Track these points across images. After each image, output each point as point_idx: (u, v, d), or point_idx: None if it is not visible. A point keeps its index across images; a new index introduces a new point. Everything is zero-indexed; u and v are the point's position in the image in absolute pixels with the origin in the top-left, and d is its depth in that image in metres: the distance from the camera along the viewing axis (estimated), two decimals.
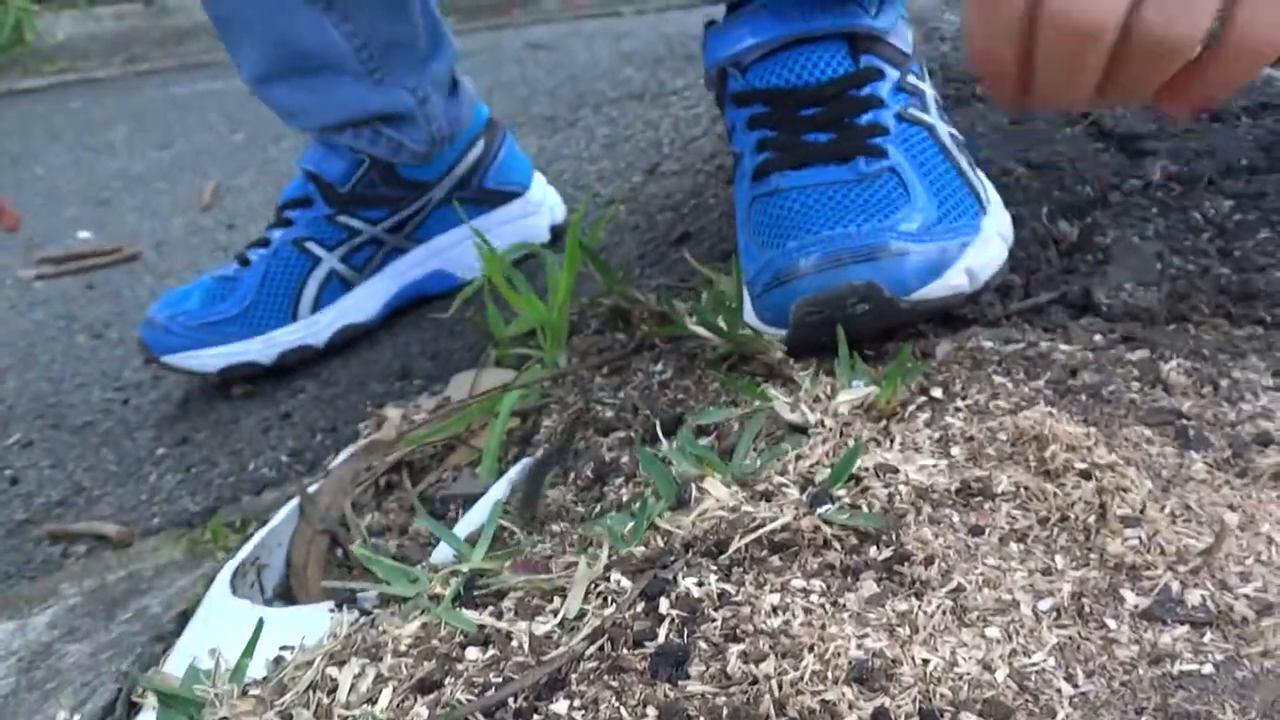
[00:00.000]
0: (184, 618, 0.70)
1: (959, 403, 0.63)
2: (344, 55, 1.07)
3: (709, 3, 0.86)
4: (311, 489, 0.80)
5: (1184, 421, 0.59)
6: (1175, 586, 0.47)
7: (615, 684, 0.45)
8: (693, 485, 0.58)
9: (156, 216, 1.97)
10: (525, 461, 0.74)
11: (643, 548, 0.54)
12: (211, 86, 3.37)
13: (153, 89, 3.48)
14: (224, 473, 0.97)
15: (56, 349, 1.39)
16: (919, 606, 0.47)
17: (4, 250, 1.82)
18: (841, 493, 0.55)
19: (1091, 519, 0.51)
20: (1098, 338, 0.70)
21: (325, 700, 0.49)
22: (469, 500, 0.76)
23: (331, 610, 0.58)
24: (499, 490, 0.69)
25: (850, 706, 0.42)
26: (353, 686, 0.49)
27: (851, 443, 0.59)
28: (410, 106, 1.12)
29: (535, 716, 0.45)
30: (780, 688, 0.43)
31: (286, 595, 0.72)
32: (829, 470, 0.57)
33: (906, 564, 0.50)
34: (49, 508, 0.99)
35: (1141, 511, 0.51)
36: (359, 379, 1.08)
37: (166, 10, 4.27)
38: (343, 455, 0.86)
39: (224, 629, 0.60)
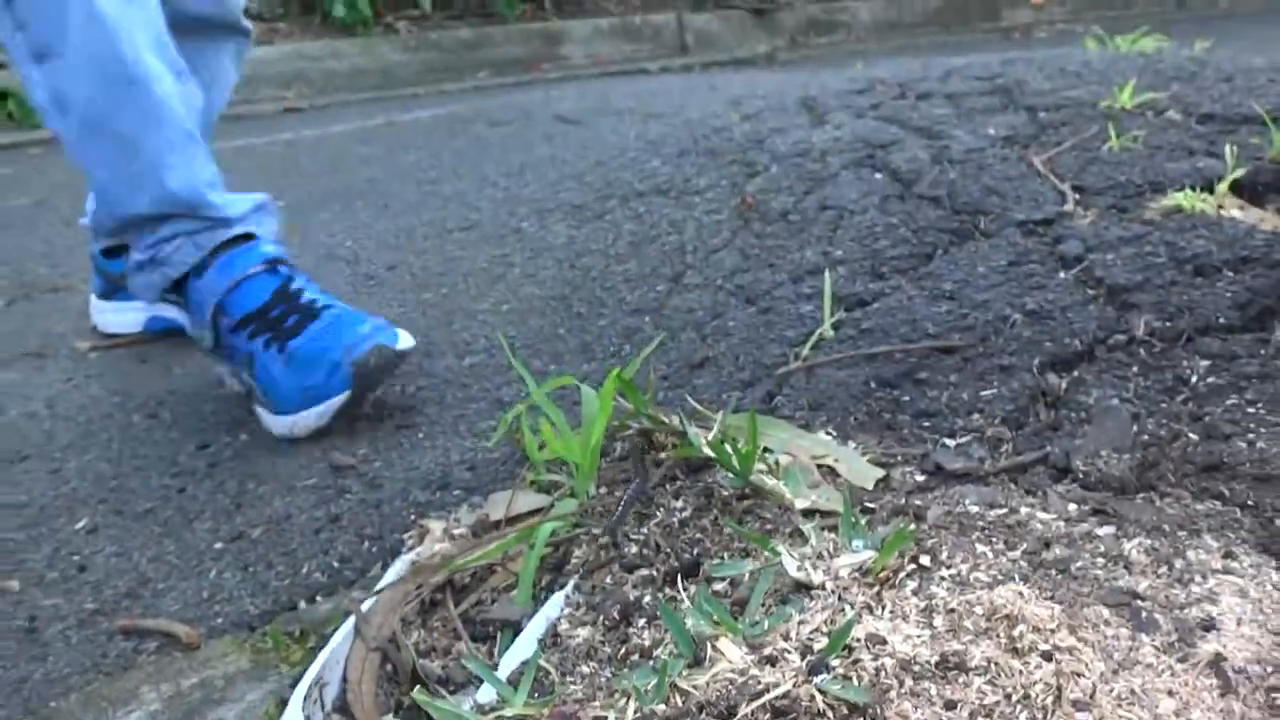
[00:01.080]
0: None
1: (944, 571, 0.72)
2: None
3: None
4: (365, 605, 0.89)
5: (1139, 603, 0.67)
6: None
7: None
8: (708, 644, 0.67)
9: None
10: (558, 596, 0.84)
11: (663, 705, 0.63)
12: (248, 142, 3.50)
13: None
14: (280, 575, 1.06)
15: (114, 427, 1.48)
16: None
17: (60, 318, 1.93)
18: (836, 662, 0.64)
19: (1049, 700, 0.60)
20: (1072, 507, 0.79)
21: None
22: (507, 624, 0.85)
23: None
24: (537, 629, 0.78)
25: None
26: None
27: (848, 610, 0.68)
28: None
29: None
30: None
31: (344, 710, 0.81)
32: (827, 638, 0.66)
33: None
34: (117, 599, 1.08)
35: (1092, 696, 0.60)
36: (402, 484, 1.18)
37: None
38: (391, 573, 0.95)
39: None
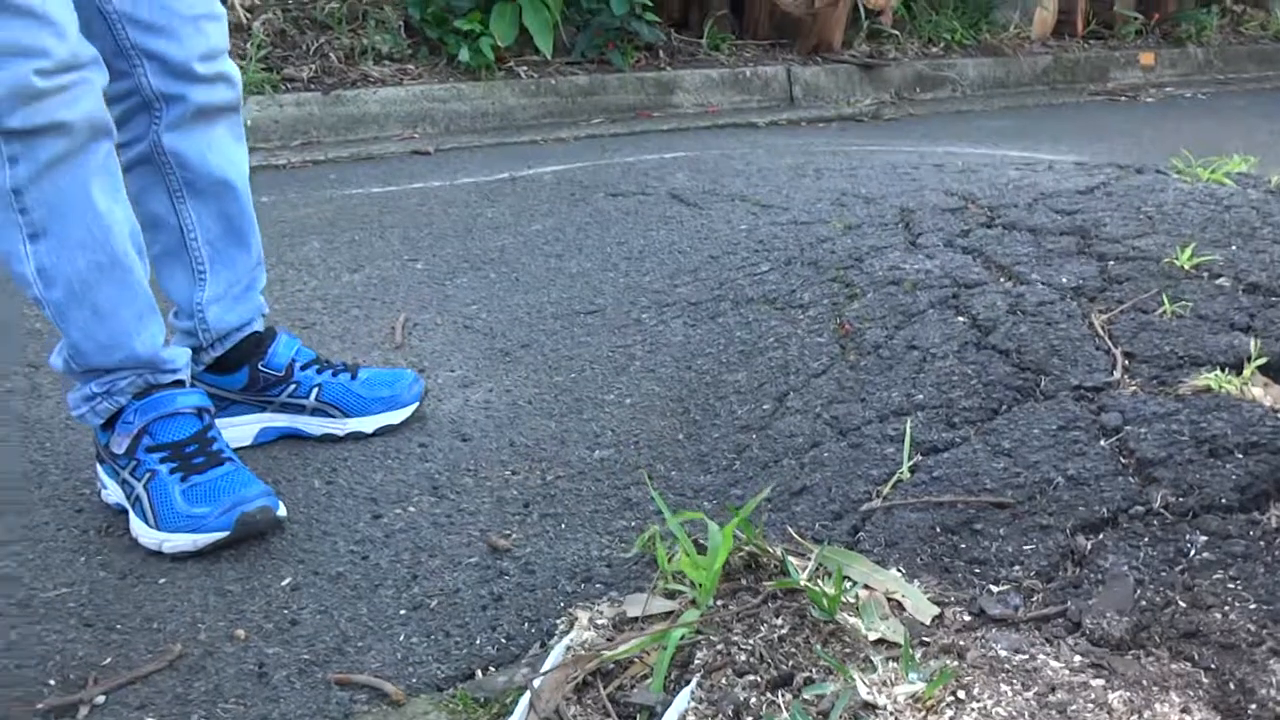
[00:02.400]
0: None
1: (974, 704, 1.01)
2: None
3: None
4: (535, 683, 1.21)
5: None
6: None
7: None
8: None
9: (357, 347, 2.42)
10: (685, 691, 1.14)
11: None
12: (385, 190, 3.88)
13: (331, 186, 3.99)
14: (457, 644, 1.39)
15: (298, 493, 1.82)
16: None
17: None
18: None
19: None
20: (1077, 659, 1.08)
21: None
22: (645, 708, 1.16)
23: None
24: (672, 717, 1.09)
25: None
26: None
27: None
28: None
29: None
30: None
31: None
32: None
33: None
34: (328, 653, 1.41)
35: None
36: (551, 572, 1.50)
37: (340, 100, 4.80)
38: (552, 657, 1.27)
39: None
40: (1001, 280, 1.95)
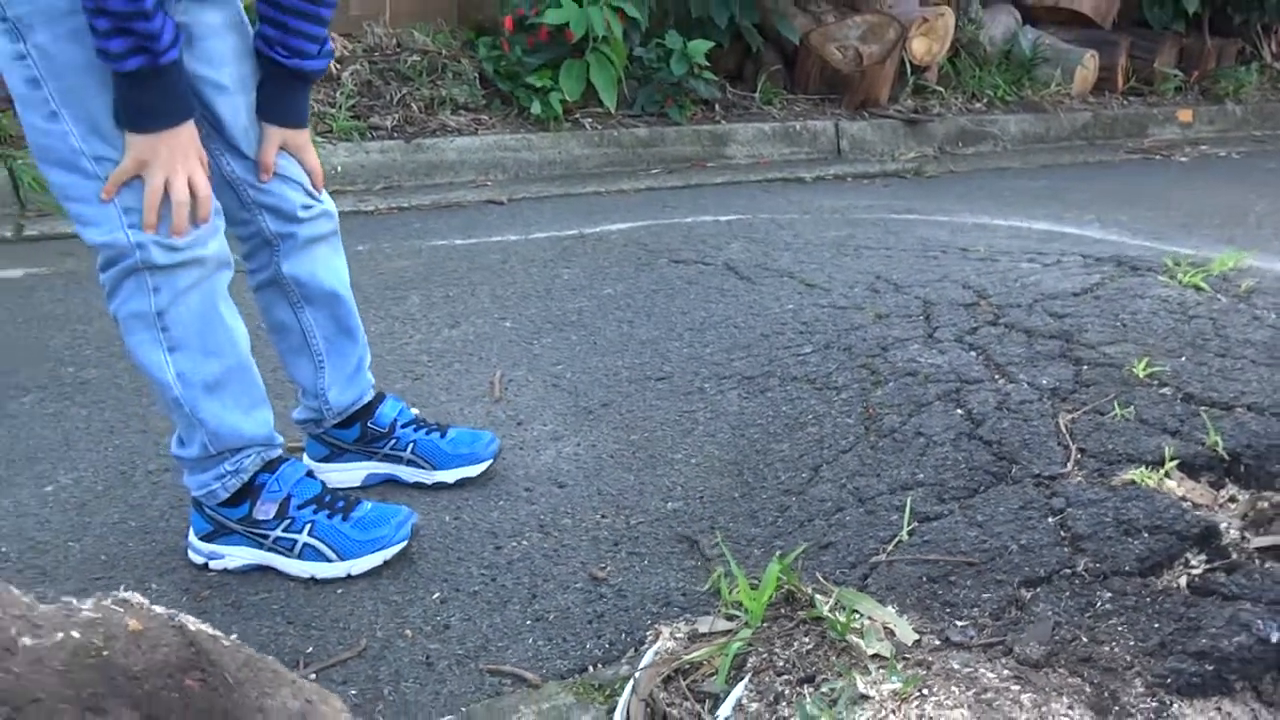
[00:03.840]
0: None
1: (933, 697, 1.61)
2: None
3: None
4: (636, 674, 1.82)
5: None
6: None
7: None
8: None
9: (461, 399, 3.04)
10: (740, 684, 1.75)
11: None
12: (468, 243, 4.51)
13: (418, 236, 4.63)
14: (573, 647, 2.00)
15: (433, 525, 2.43)
16: None
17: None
18: None
19: None
20: (1005, 672, 1.68)
21: None
22: (712, 695, 1.77)
23: None
24: (732, 701, 1.70)
25: None
26: None
27: (888, 715, 1.59)
28: None
29: None
30: None
31: None
32: None
33: None
34: (476, 650, 2.02)
35: None
36: (639, 598, 2.11)
37: (421, 148, 5.46)
38: (645, 658, 1.88)
39: None
40: (996, 378, 2.55)
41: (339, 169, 5.27)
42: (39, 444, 2.76)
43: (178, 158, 1.84)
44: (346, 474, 2.54)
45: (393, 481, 2.56)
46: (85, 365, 3.25)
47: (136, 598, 1.26)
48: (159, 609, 1.27)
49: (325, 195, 2.25)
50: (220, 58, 2.01)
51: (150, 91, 1.78)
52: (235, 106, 2.05)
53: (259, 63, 2.07)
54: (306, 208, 2.18)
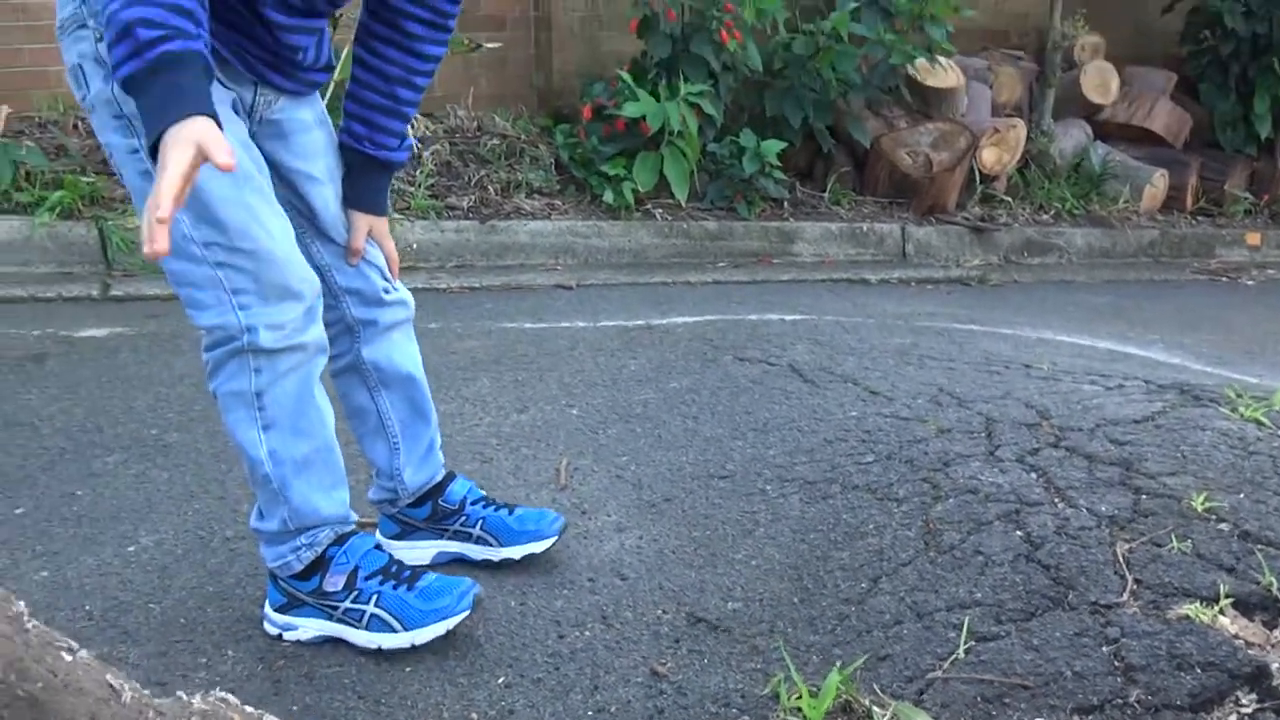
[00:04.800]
0: None
1: None
2: None
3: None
4: None
5: None
6: None
7: None
8: None
9: (528, 485, 3.15)
10: None
11: None
12: (537, 327, 4.66)
13: (489, 317, 4.79)
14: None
15: (498, 609, 2.53)
16: None
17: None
18: None
19: None
20: None
21: None
22: None
23: None
24: None
25: None
26: None
27: None
28: None
29: None
30: None
31: None
32: None
33: None
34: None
35: None
36: (699, 697, 2.19)
37: (494, 230, 5.64)
38: None
39: None
40: (1056, 502, 2.63)
41: (414, 246, 5.46)
42: (122, 504, 2.90)
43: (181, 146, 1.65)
44: (417, 552, 2.64)
45: (461, 560, 2.66)
46: (167, 429, 3.41)
47: (233, 699, 1.44)
48: (250, 709, 1.47)
49: (400, 284, 2.38)
50: (313, 152, 2.22)
51: (150, 94, 1.67)
52: (326, 197, 2.24)
53: (344, 155, 2.27)
54: (386, 292, 2.32)
